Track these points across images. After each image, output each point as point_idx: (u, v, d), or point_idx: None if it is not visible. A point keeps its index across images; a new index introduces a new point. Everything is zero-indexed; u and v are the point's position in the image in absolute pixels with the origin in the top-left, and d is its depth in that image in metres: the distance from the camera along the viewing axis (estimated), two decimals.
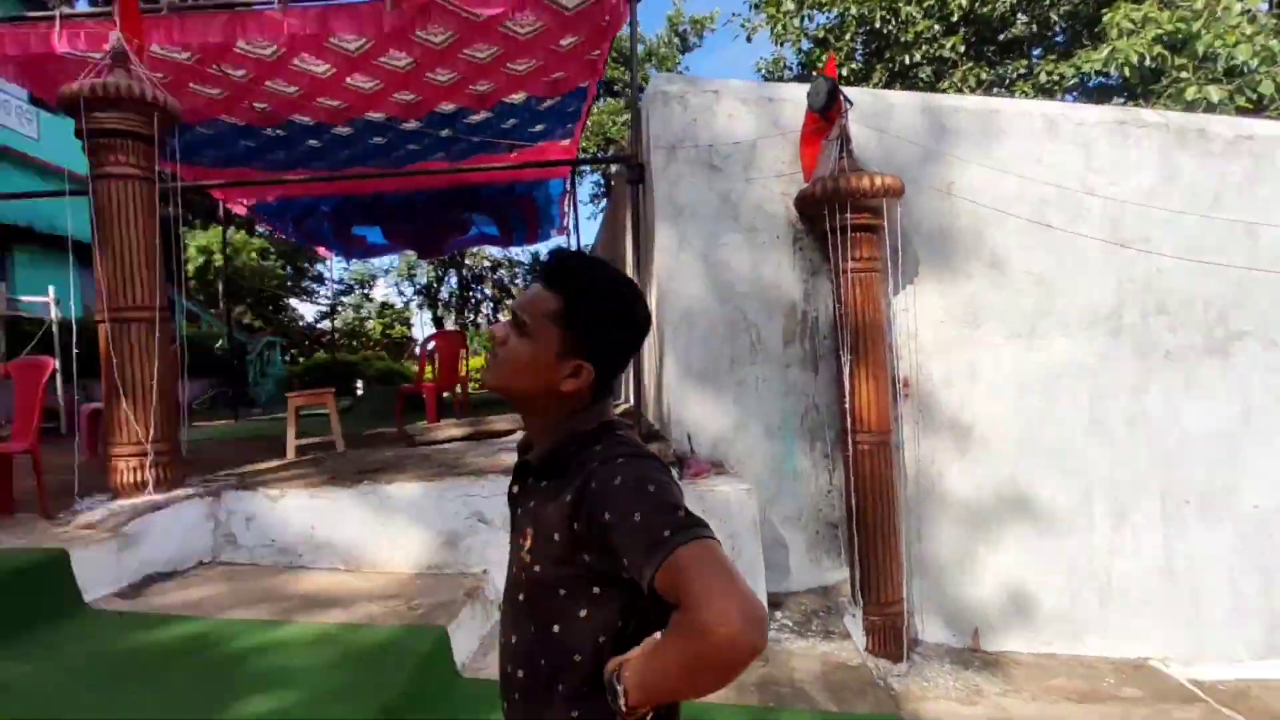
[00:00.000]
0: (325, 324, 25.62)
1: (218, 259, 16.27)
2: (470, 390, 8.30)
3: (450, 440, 5.10)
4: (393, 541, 3.67)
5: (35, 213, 11.00)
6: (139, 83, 3.81)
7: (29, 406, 3.57)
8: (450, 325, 27.36)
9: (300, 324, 24.70)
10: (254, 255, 21.16)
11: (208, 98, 6.14)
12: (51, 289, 8.53)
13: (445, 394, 6.50)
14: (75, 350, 4.07)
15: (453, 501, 3.65)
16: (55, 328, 7.83)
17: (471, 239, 11.28)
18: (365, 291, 28.83)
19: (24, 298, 8.61)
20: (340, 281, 27.07)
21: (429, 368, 6.78)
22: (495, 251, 26.86)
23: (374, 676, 2.53)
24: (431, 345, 7.06)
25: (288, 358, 19.58)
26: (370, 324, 27.89)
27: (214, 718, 2.23)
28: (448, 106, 6.45)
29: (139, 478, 3.65)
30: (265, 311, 22.24)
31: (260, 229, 19.81)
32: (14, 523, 3.51)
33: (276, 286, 22.70)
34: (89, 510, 3.56)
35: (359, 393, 14.24)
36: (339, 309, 26.83)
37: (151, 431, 3.64)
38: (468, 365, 8.41)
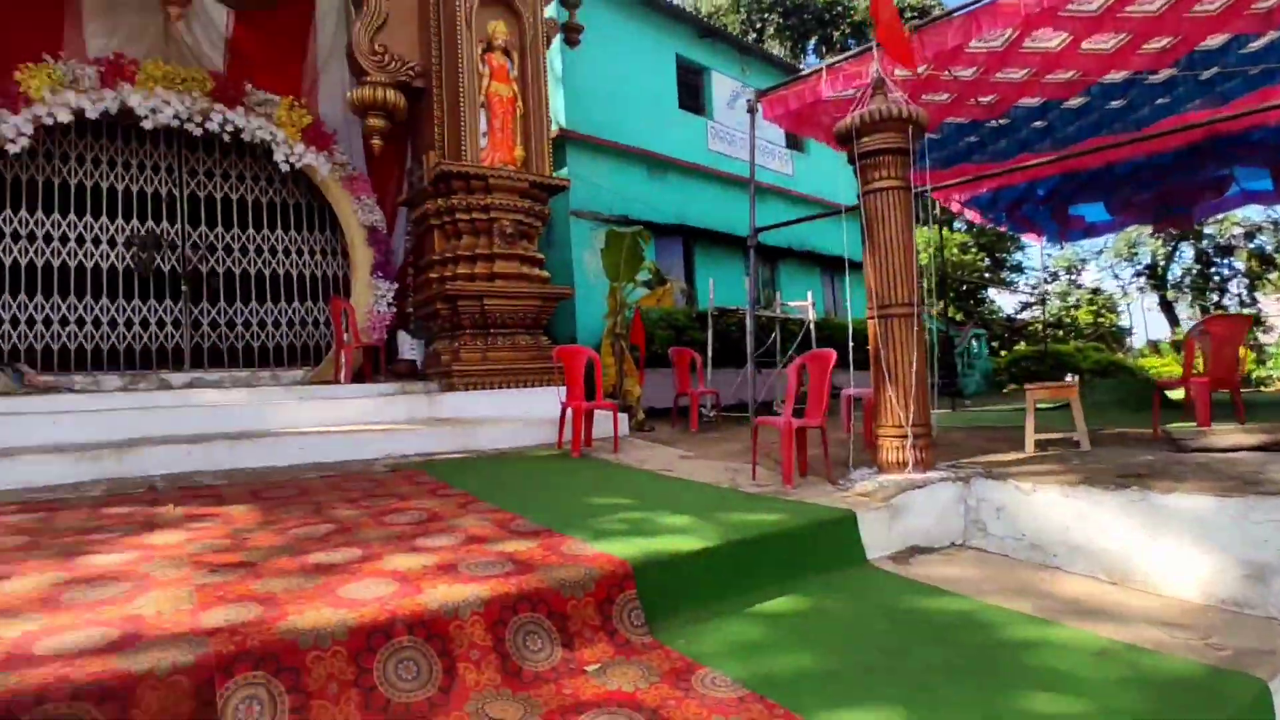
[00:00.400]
0: (1025, 314, 24.68)
1: (923, 257, 17.35)
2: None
3: (1236, 449, 4.15)
4: (1169, 560, 3.16)
5: (793, 236, 13.65)
6: (895, 104, 4.23)
7: (819, 390, 4.37)
8: (1183, 311, 22.94)
9: (1000, 315, 24.41)
10: (955, 250, 21.82)
11: (936, 104, 6.50)
12: (810, 294, 10.46)
13: (1216, 392, 5.35)
14: (851, 343, 4.82)
15: (1259, 526, 2.92)
16: (811, 326, 9.52)
17: (1230, 200, 9.11)
18: (1073, 278, 26.63)
19: (790, 303, 10.77)
20: (1045, 269, 25.66)
21: (1197, 359, 5.71)
22: (1252, 214, 21.24)
23: (1178, 715, 2.18)
24: (1202, 332, 5.92)
25: (989, 349, 19.56)
26: (1078, 312, 25.62)
27: (1002, 701, 2.26)
28: (1214, 40, 5.30)
29: (900, 457, 4.06)
30: (966, 305, 22.74)
31: (959, 224, 20.27)
32: (808, 483, 4.35)
33: (977, 279, 22.94)
34: (862, 481, 4.15)
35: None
36: (1045, 298, 25.50)
37: (911, 415, 4.01)
38: (1245, 358, 6.77)
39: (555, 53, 10.43)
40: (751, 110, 7.22)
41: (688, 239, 12.70)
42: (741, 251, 12.65)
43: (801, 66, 26.92)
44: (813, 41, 28.50)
